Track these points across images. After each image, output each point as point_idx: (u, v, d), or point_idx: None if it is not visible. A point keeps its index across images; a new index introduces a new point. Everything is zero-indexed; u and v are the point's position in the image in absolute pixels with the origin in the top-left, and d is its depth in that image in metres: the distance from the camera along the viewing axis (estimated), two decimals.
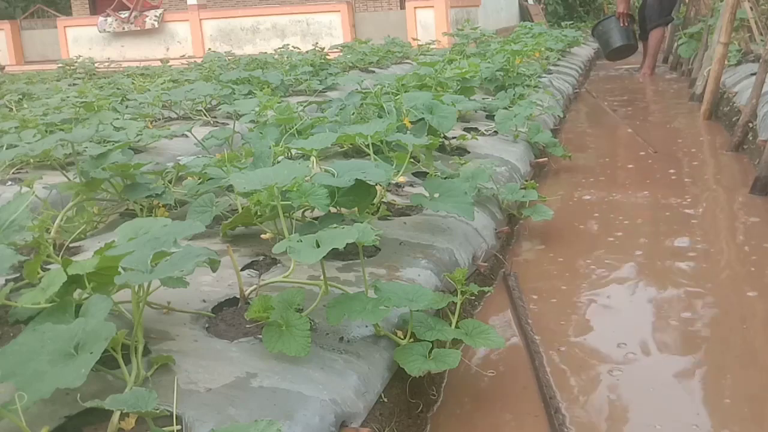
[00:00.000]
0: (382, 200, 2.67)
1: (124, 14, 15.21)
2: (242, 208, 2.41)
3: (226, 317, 1.84)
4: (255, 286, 1.96)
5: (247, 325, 1.76)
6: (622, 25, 9.81)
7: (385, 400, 1.71)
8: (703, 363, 2.07)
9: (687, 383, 1.96)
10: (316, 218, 2.40)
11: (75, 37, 15.76)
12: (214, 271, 1.77)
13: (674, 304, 2.47)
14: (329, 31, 14.17)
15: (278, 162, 2.70)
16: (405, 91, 4.06)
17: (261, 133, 3.30)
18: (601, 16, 12.17)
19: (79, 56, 11.52)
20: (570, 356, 2.13)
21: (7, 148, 3.36)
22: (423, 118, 3.29)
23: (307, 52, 8.95)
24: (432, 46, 10.08)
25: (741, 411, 1.82)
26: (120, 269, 1.54)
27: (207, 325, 1.79)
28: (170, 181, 2.95)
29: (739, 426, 1.75)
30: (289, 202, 2.13)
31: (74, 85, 7.82)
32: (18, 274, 1.98)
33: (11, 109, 5.38)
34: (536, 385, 1.96)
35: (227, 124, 4.65)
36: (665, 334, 2.25)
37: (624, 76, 9.88)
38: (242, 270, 2.12)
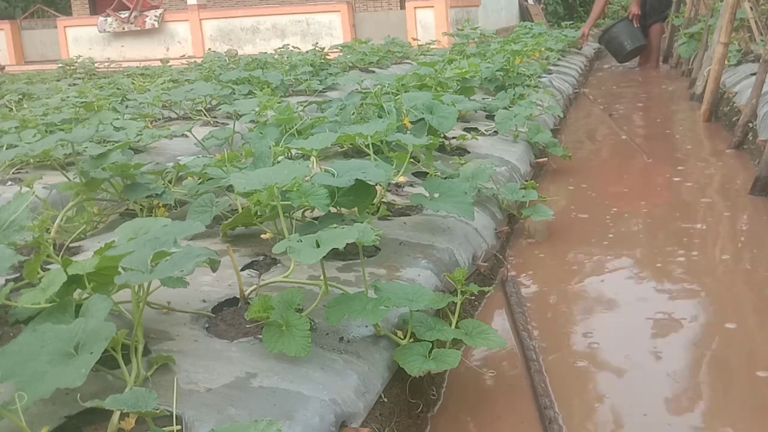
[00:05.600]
0: (382, 200, 2.67)
1: (124, 14, 15.20)
2: (242, 208, 2.41)
3: (226, 317, 1.84)
4: (255, 286, 1.96)
5: (247, 325, 1.76)
6: (636, 26, 10.03)
7: (385, 400, 1.71)
8: (701, 372, 2.06)
9: (686, 391, 1.96)
10: (316, 218, 2.40)
11: (75, 37, 15.76)
12: (214, 271, 1.77)
13: (675, 306, 2.47)
14: (329, 31, 14.17)
15: (278, 162, 2.70)
16: (405, 91, 4.06)
17: (261, 133, 3.30)
18: (602, 20, 12.27)
19: (79, 56, 11.52)
20: (564, 361, 2.13)
21: (7, 148, 3.37)
22: (423, 118, 3.29)
23: (307, 52, 8.95)
24: (432, 46, 10.08)
25: None
26: (120, 269, 1.54)
27: (207, 325, 1.79)
28: (170, 181, 2.95)
29: None
30: (289, 202, 2.13)
31: (74, 85, 7.82)
32: (18, 274, 1.98)
33: (11, 109, 5.38)
34: (531, 391, 1.95)
35: (227, 124, 4.65)
36: (665, 339, 2.25)
37: (624, 75, 9.89)
38: (242, 270, 2.12)
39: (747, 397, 1.89)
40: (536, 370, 2.01)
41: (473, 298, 2.43)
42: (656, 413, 1.82)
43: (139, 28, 15.17)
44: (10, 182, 3.38)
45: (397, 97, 3.85)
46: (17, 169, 3.53)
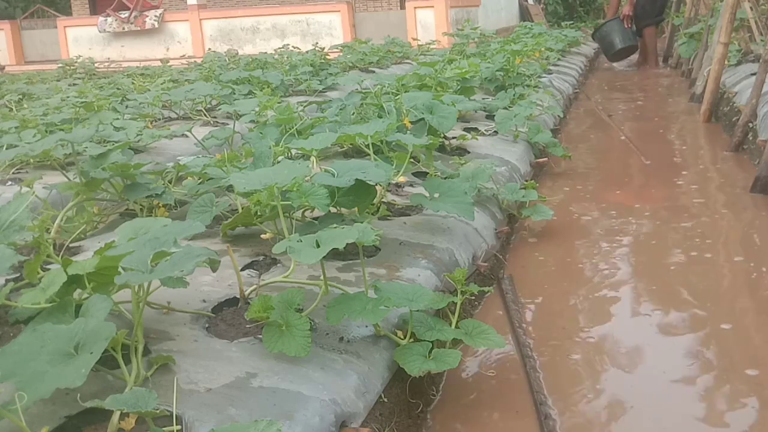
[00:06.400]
0: (382, 200, 2.67)
1: (124, 14, 15.20)
2: (242, 208, 2.41)
3: (226, 317, 1.84)
4: (255, 286, 1.96)
5: (247, 325, 1.76)
6: (626, 27, 10.17)
7: (385, 400, 1.71)
8: (693, 369, 2.06)
9: (683, 390, 1.96)
10: (316, 218, 2.40)
11: (75, 37, 15.75)
12: (214, 271, 1.77)
13: (672, 304, 2.47)
14: (329, 31, 14.16)
15: (278, 162, 2.70)
16: (405, 91, 4.06)
17: (261, 133, 3.30)
18: (601, 18, 12.37)
19: (79, 56, 11.52)
20: (560, 357, 2.13)
21: (7, 148, 3.37)
22: (423, 118, 3.29)
23: (307, 52, 8.95)
24: (432, 46, 10.08)
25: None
26: (120, 269, 1.54)
27: (207, 325, 1.79)
28: (170, 181, 2.95)
29: None
30: (289, 202, 2.13)
31: (74, 85, 7.82)
32: (18, 274, 1.98)
33: (11, 109, 5.38)
34: (528, 387, 1.96)
35: (227, 124, 4.65)
36: (659, 337, 2.25)
37: (624, 75, 9.90)
38: (242, 270, 2.12)
39: (737, 394, 1.90)
40: (532, 367, 2.02)
41: (473, 297, 2.43)
42: (645, 407, 1.84)
43: (139, 28, 15.17)
44: (10, 182, 3.38)
45: (397, 97, 3.84)
46: (17, 169, 3.53)
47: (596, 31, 10.78)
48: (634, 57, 10.94)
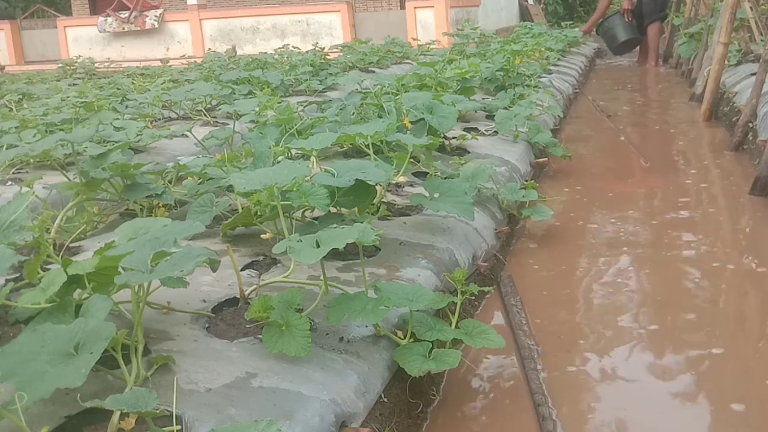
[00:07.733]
0: (382, 200, 2.66)
1: (124, 14, 15.19)
2: (242, 208, 2.41)
3: (226, 317, 1.84)
4: (255, 286, 1.96)
5: (247, 325, 1.76)
6: (627, 20, 10.46)
7: (385, 400, 1.71)
8: (696, 374, 2.06)
9: (681, 394, 1.96)
10: (316, 218, 2.40)
11: (75, 37, 15.75)
12: (214, 271, 1.77)
13: (669, 310, 2.47)
14: (329, 31, 14.16)
15: (278, 162, 2.70)
16: (405, 91, 4.06)
17: (261, 133, 3.30)
18: (601, 17, 12.47)
19: (79, 56, 11.52)
20: (559, 359, 2.13)
21: (7, 148, 3.37)
22: (423, 118, 3.29)
23: (307, 52, 8.95)
24: (432, 46, 10.08)
25: None
26: (120, 269, 1.54)
27: (207, 325, 1.79)
28: (170, 181, 2.95)
29: None
30: (289, 202, 2.13)
31: (74, 85, 7.81)
32: (18, 274, 1.98)
33: (11, 109, 5.38)
34: (527, 388, 1.96)
35: (227, 124, 4.65)
36: (655, 345, 2.24)
37: (624, 75, 9.90)
38: (242, 270, 2.12)
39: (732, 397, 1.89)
40: (531, 368, 2.02)
41: (473, 298, 2.43)
42: (641, 415, 1.83)
43: (139, 28, 15.16)
44: (10, 182, 3.38)
45: (397, 97, 3.84)
46: (17, 169, 3.53)
47: (600, 26, 11.01)
48: (634, 57, 10.99)
